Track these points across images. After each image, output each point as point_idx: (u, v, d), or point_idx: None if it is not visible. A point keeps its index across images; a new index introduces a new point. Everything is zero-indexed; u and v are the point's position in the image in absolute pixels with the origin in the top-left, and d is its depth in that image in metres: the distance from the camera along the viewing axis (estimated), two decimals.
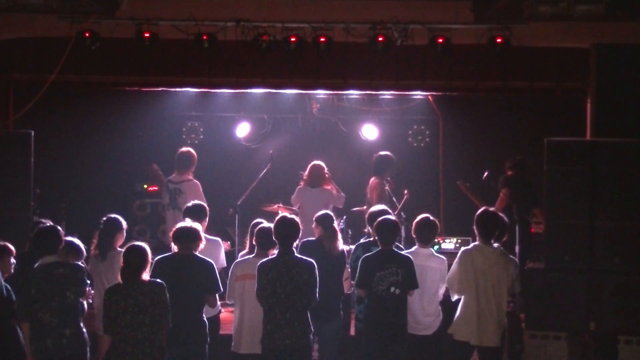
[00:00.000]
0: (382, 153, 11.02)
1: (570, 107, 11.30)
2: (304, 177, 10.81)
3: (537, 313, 8.77)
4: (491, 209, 8.00)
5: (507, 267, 7.56)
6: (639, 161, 8.86)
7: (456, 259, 7.66)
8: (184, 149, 10.98)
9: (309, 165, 10.84)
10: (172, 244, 7.34)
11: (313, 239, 8.14)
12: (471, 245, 7.83)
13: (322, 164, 10.83)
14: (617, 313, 8.62)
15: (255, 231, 7.70)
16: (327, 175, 10.81)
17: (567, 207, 8.83)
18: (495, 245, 7.71)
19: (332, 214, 8.31)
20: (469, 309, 7.50)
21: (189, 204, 8.50)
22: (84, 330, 6.97)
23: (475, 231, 7.73)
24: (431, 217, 8.04)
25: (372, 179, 10.83)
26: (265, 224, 7.72)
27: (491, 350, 7.53)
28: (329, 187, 10.74)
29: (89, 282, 7.18)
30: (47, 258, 6.92)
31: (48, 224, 7.36)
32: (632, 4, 9.62)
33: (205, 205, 8.59)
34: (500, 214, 8.06)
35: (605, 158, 8.85)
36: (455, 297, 7.69)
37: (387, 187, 10.79)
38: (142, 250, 6.69)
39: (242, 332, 7.52)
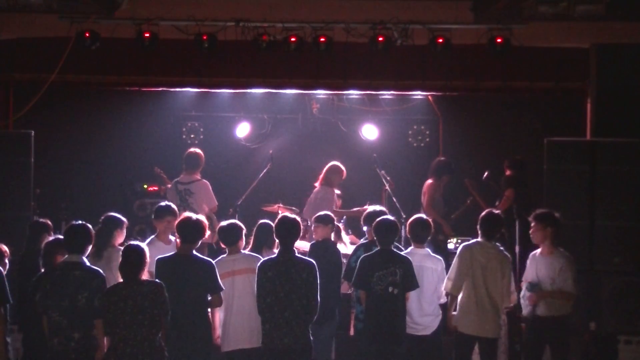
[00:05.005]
0: (442, 159, 11.17)
1: (570, 107, 11.29)
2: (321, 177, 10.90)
3: None
4: (496, 210, 8.07)
5: (504, 263, 7.68)
6: (639, 161, 8.87)
7: (457, 254, 7.78)
8: (191, 149, 10.95)
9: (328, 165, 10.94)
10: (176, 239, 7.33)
11: (315, 241, 8.16)
12: (472, 240, 7.90)
13: (340, 165, 10.90)
14: (617, 313, 8.64)
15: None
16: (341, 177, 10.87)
17: (567, 207, 8.84)
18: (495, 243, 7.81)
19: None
20: (469, 301, 7.63)
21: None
22: (95, 337, 6.78)
23: (479, 230, 7.82)
24: (424, 217, 8.11)
25: (428, 181, 10.90)
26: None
27: (490, 341, 7.68)
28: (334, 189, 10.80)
29: None
30: (72, 256, 6.79)
31: (79, 222, 7.04)
32: (632, 4, 9.63)
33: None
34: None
35: (605, 158, 8.87)
36: (449, 290, 7.72)
37: (440, 191, 10.89)
38: (140, 250, 6.69)
39: (228, 329, 7.40)
